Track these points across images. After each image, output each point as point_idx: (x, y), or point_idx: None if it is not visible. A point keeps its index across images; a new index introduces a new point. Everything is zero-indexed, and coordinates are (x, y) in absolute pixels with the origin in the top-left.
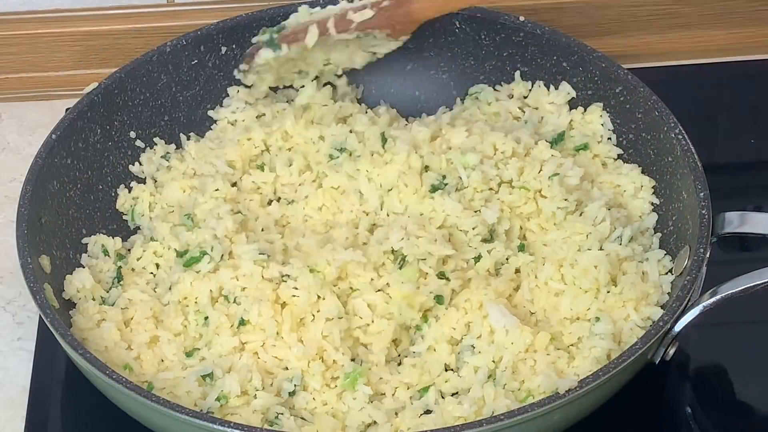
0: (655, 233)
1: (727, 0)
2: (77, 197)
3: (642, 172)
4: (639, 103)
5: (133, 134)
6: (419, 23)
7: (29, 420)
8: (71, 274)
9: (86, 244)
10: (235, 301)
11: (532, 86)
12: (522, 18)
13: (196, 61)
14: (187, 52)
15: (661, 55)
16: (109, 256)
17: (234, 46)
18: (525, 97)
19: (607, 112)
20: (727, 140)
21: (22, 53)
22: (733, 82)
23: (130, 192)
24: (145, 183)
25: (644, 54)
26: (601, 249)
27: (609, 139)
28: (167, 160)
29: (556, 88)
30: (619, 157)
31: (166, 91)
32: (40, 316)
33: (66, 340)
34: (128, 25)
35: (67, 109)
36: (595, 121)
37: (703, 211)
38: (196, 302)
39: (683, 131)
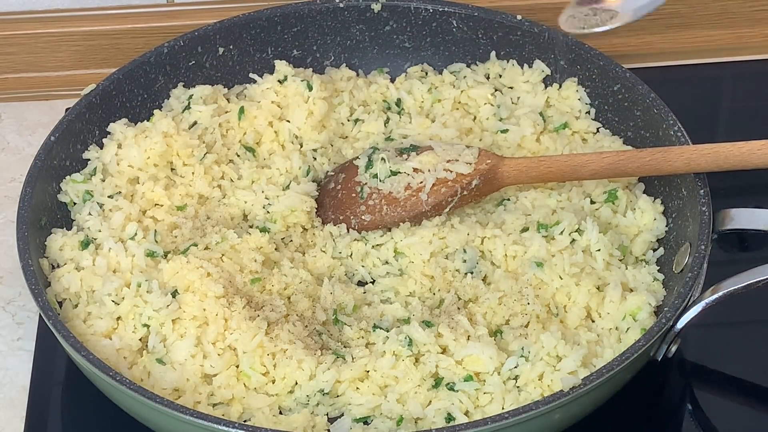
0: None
1: (726, 0)
2: None
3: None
4: (637, 100)
5: None
6: (498, 189)
7: (29, 420)
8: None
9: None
10: None
11: (507, 65)
12: (519, 17)
13: (193, 62)
14: (185, 53)
15: (661, 55)
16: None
17: (231, 47)
18: (500, 76)
19: (606, 110)
20: (727, 140)
21: (22, 53)
22: (732, 82)
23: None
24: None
25: (644, 54)
26: None
27: (587, 113)
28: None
29: (560, 85)
30: (598, 130)
31: (164, 92)
32: (39, 316)
33: (69, 342)
34: (128, 25)
35: (67, 109)
36: (572, 96)
37: (704, 208)
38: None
39: (682, 128)
